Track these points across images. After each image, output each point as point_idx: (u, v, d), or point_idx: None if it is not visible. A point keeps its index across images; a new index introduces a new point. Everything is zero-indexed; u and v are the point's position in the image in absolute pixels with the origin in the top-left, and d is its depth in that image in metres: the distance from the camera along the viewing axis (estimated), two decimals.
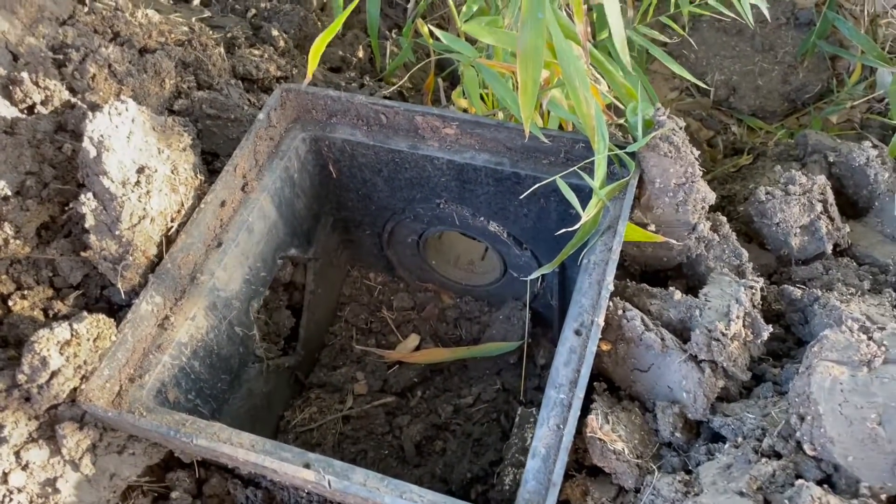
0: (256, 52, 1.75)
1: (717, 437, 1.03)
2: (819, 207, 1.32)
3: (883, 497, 0.83)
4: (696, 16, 1.71)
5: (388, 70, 1.89)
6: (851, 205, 1.50)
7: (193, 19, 1.83)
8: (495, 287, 1.67)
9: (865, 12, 2.01)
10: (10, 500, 1.02)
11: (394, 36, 2.07)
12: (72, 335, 1.04)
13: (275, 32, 1.86)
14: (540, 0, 1.11)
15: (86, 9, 1.59)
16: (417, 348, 1.67)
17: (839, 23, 1.97)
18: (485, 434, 1.53)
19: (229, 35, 1.80)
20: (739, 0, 1.28)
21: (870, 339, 0.93)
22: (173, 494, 1.16)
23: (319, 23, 2.13)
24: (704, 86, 1.73)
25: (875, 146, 1.49)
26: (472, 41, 1.39)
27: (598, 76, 1.37)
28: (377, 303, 1.74)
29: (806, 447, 0.89)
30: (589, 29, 1.57)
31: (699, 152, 1.99)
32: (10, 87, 1.24)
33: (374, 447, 1.52)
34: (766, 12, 1.37)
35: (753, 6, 1.33)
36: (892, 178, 1.45)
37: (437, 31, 1.22)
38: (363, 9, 2.18)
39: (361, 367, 1.63)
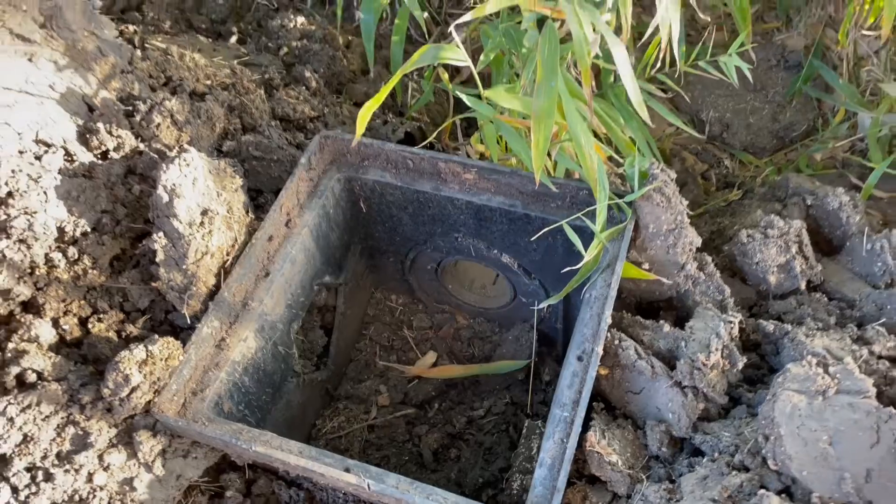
0: (292, 93, 1.93)
1: (698, 452, 1.20)
2: (794, 248, 1.49)
3: None
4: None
5: (411, 109, 2.07)
6: (827, 242, 1.68)
7: (235, 62, 2.01)
8: (506, 310, 1.85)
9: (848, 57, 2.18)
10: (94, 496, 1.19)
11: (414, 76, 2.25)
12: (147, 355, 1.22)
13: (307, 74, 2.04)
14: (553, 69, 1.29)
15: (139, 53, 1.77)
16: (434, 364, 1.84)
17: (823, 71, 2.15)
18: (495, 443, 1.71)
19: (266, 76, 1.97)
20: (725, 63, 1.46)
21: (826, 372, 1.11)
22: (228, 493, 1.34)
23: (345, 60, 2.31)
24: (690, 130, 1.89)
25: (848, 191, 1.66)
26: None
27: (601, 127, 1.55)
28: (398, 322, 1.92)
29: (770, 462, 1.06)
30: (593, 83, 1.76)
31: (694, 188, 2.16)
32: (87, 136, 1.42)
33: (395, 454, 1.69)
34: (748, 74, 1.55)
35: (738, 68, 1.51)
36: (862, 221, 1.63)
37: (461, 94, 1.39)
38: (385, 45, 2.36)
39: (384, 380, 1.80)
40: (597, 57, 1.50)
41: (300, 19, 2.30)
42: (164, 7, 2.39)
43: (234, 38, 2.26)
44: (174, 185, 1.28)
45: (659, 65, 1.69)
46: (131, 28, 1.94)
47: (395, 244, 1.76)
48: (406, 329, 1.90)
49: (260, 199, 1.62)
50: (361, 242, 1.77)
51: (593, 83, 1.68)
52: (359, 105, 2.21)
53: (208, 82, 1.82)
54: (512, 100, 1.35)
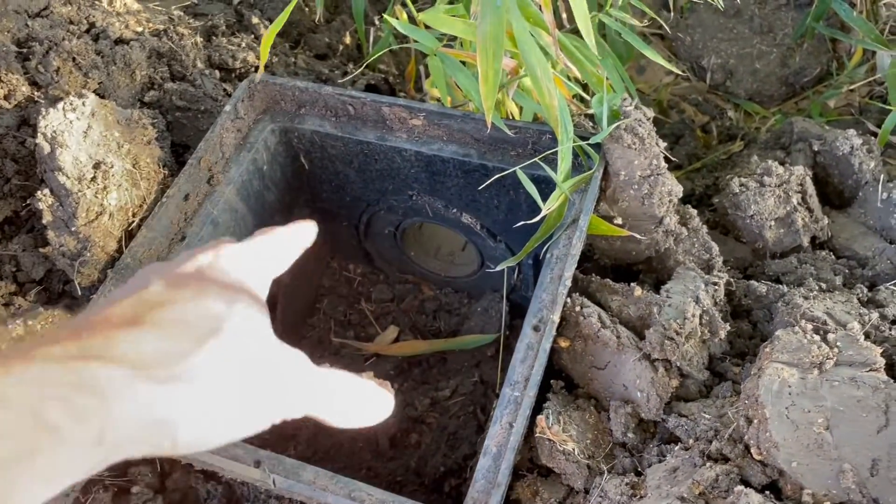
0: (235, 40, 1.74)
1: (673, 438, 1.01)
2: (796, 199, 1.28)
3: None
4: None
5: (370, 57, 1.87)
6: (838, 194, 1.46)
7: (173, 7, 1.82)
8: (474, 279, 1.65)
9: None
10: None
11: (379, 22, 2.05)
12: (26, 332, 1.05)
13: (255, 20, 1.84)
14: None
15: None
16: (396, 340, 1.66)
17: (836, 4, 1.91)
18: (460, 427, 1.52)
19: (209, 24, 1.78)
20: None
21: (824, 339, 0.90)
22: (134, 489, 1.17)
23: (307, 9, 2.11)
24: (683, 73, 1.67)
25: (862, 134, 1.44)
26: None
27: (570, 65, 1.34)
28: (356, 294, 1.73)
29: (753, 451, 0.87)
30: (565, 14, 1.53)
31: (692, 140, 1.95)
32: None
33: (349, 440, 1.51)
34: None
35: None
36: (877, 167, 1.40)
37: (393, 21, 1.19)
38: None
39: (339, 359, 1.62)
40: None
41: None
42: None
43: None
44: (55, 132, 1.10)
45: None
46: None
47: (345, 206, 1.57)
48: (364, 302, 1.71)
49: (186, 155, 1.43)
50: (308, 205, 1.58)
51: (563, 13, 1.47)
52: (319, 57, 2.02)
53: (139, 28, 1.63)
54: (451, 23, 1.15)
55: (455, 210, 1.45)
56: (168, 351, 0.50)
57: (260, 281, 0.66)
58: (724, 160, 1.84)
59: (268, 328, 0.60)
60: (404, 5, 1.76)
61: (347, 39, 2.07)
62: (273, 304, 1.55)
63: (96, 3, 1.65)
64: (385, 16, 1.28)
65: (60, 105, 1.11)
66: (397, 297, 1.72)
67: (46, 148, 1.09)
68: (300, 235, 0.76)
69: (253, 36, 1.80)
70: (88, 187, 1.12)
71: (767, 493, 0.83)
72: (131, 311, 0.53)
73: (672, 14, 2.16)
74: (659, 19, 1.56)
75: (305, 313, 1.69)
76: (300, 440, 1.51)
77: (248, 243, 0.68)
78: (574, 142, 1.17)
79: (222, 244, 0.65)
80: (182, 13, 1.78)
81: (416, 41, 1.22)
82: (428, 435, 1.52)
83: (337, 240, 1.71)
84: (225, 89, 1.60)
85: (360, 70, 1.91)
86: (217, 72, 1.63)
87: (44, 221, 1.12)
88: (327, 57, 2.01)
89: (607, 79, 1.38)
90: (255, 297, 0.62)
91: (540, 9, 1.24)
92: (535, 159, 1.19)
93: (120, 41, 1.55)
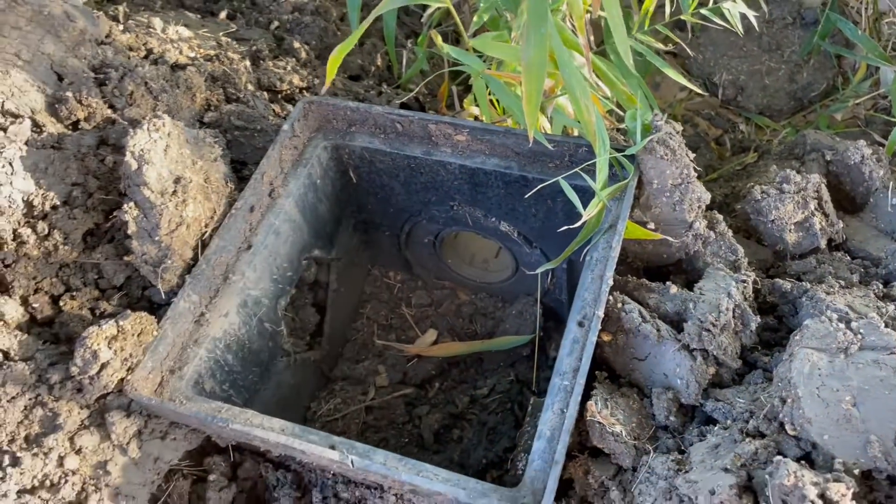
0: (280, 63, 1.86)
1: (710, 421, 1.11)
2: (813, 205, 1.39)
3: (856, 472, 0.91)
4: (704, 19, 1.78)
5: (405, 78, 1.98)
6: (850, 200, 1.57)
7: (221, 34, 1.94)
8: (508, 284, 1.76)
9: (867, 12, 2.06)
10: (66, 481, 1.12)
11: (410, 45, 2.16)
12: (118, 331, 1.15)
13: (296, 45, 1.96)
14: (543, 15, 1.19)
15: (121, 27, 1.70)
16: (435, 342, 1.76)
17: (841, 24, 2.03)
18: (499, 423, 1.62)
19: (254, 48, 1.90)
20: (729, 10, 1.35)
21: (848, 327, 1.01)
22: (211, 477, 1.27)
23: (339, 32, 2.23)
24: (698, 90, 1.79)
25: (870, 144, 1.55)
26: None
27: (600, 83, 1.45)
28: (397, 300, 1.83)
29: (787, 427, 0.97)
30: (592, 38, 1.65)
31: (707, 152, 2.06)
32: (57, 106, 1.35)
33: (394, 436, 1.61)
34: (753, 21, 1.45)
35: (743, 16, 1.40)
36: (886, 175, 1.51)
37: (447, 47, 1.30)
38: (381, 17, 2.28)
39: (382, 360, 1.72)
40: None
41: None
42: None
43: (223, 14, 2.19)
44: (143, 150, 1.21)
45: (666, 17, 1.59)
46: (120, 10, 1.88)
47: (388, 216, 1.67)
48: (405, 307, 1.82)
49: (244, 171, 1.54)
50: (354, 216, 1.69)
51: (591, 36, 1.59)
52: (353, 78, 2.13)
53: (192, 54, 1.75)
54: (500, 49, 1.26)
55: (494, 219, 1.56)
56: None
57: None
58: (739, 171, 1.95)
59: None
60: (440, 25, 1.88)
61: (379, 61, 2.18)
62: (322, 308, 1.66)
63: (151, 30, 1.77)
64: (429, 41, 1.39)
65: (146, 125, 1.22)
66: (435, 302, 1.83)
67: (134, 165, 1.20)
68: None
69: (295, 60, 1.92)
70: (170, 200, 1.23)
71: (802, 462, 0.93)
72: None
73: (687, 34, 2.28)
74: (678, 40, 1.67)
75: (350, 318, 1.80)
76: (350, 436, 1.61)
77: None
78: (610, 154, 1.28)
79: None
80: (228, 39, 1.90)
81: (463, 64, 1.33)
82: (469, 430, 1.62)
83: (378, 249, 1.81)
84: (274, 109, 1.71)
85: (393, 91, 2.03)
86: (266, 93, 1.75)
87: (129, 232, 1.23)
88: (361, 78, 2.12)
89: (638, 96, 1.50)
90: None
91: (574, 33, 1.36)
92: (576, 170, 1.30)
93: (176, 66, 1.66)
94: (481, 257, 1.82)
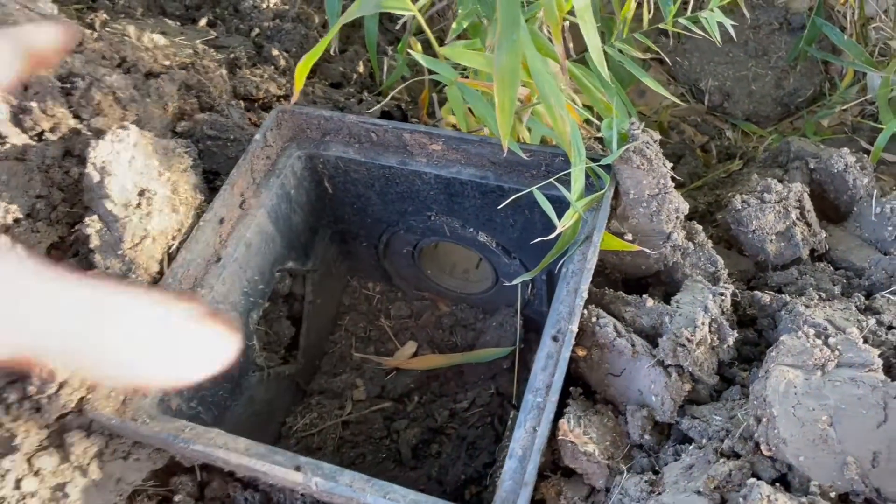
0: (257, 71, 1.83)
1: (686, 439, 1.08)
2: (794, 214, 1.36)
3: (832, 495, 0.88)
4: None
5: (385, 85, 1.96)
6: (834, 208, 1.54)
7: (198, 41, 1.91)
8: (489, 295, 1.73)
9: (853, 16, 2.03)
10: None
11: (391, 52, 2.14)
12: None
13: (275, 52, 1.93)
14: (514, 21, 1.17)
15: (94, 35, 1.67)
16: (415, 355, 1.73)
17: (827, 29, 2.00)
18: (479, 437, 1.59)
19: (232, 56, 1.87)
20: (706, 19, 1.33)
21: (825, 343, 0.98)
22: (176, 498, 1.24)
23: (321, 39, 2.20)
24: (677, 100, 1.76)
25: (855, 152, 1.52)
26: None
27: (575, 92, 1.42)
28: (375, 311, 1.80)
29: (762, 448, 0.94)
30: (572, 45, 1.63)
31: (693, 160, 2.03)
32: (21, 116, 1.32)
33: (372, 451, 1.58)
34: (731, 31, 1.42)
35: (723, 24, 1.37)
36: (871, 183, 1.48)
37: (416, 55, 1.28)
38: (363, 24, 2.25)
39: (360, 373, 1.69)
40: (570, 13, 1.37)
41: None
42: None
43: (203, 21, 2.16)
44: (104, 162, 1.17)
45: (645, 25, 1.56)
46: (97, 18, 1.85)
47: (366, 227, 1.64)
48: (384, 318, 1.78)
49: (217, 181, 1.50)
50: (330, 226, 1.66)
51: (571, 43, 1.56)
52: (334, 86, 2.11)
53: (167, 62, 1.72)
54: (471, 57, 1.23)
55: (472, 229, 1.53)
56: None
57: None
58: (725, 178, 1.92)
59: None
60: (421, 33, 1.85)
61: (361, 68, 2.15)
62: (297, 321, 1.62)
63: (126, 38, 1.74)
64: (408, 49, 1.36)
65: (108, 136, 1.19)
66: (415, 314, 1.80)
67: (96, 177, 1.17)
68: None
69: (273, 67, 1.89)
70: (134, 213, 1.20)
71: (777, 485, 0.90)
72: None
73: (670, 40, 2.26)
74: (656, 48, 1.64)
75: (328, 330, 1.77)
76: (326, 452, 1.58)
77: None
78: (586, 164, 1.25)
79: None
80: (206, 46, 1.87)
81: (435, 73, 1.31)
82: (448, 445, 1.59)
83: (357, 260, 1.78)
84: (250, 119, 1.68)
85: (375, 98, 2.00)
86: (242, 102, 1.72)
87: (91, 246, 1.20)
88: (342, 86, 2.09)
89: (614, 105, 1.47)
90: None
91: (550, 41, 1.33)
92: (551, 180, 1.27)
93: (150, 74, 1.63)
94: (462, 267, 1.79)
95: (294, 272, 1.57)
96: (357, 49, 2.22)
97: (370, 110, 1.91)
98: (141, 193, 1.22)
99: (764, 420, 0.94)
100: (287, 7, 2.20)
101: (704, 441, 1.02)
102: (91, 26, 1.83)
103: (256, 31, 2.13)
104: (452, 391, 1.69)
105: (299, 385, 1.65)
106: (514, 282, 1.38)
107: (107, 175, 1.17)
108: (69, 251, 1.32)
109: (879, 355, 0.97)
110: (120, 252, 1.20)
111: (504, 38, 1.16)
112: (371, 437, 1.60)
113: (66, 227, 1.31)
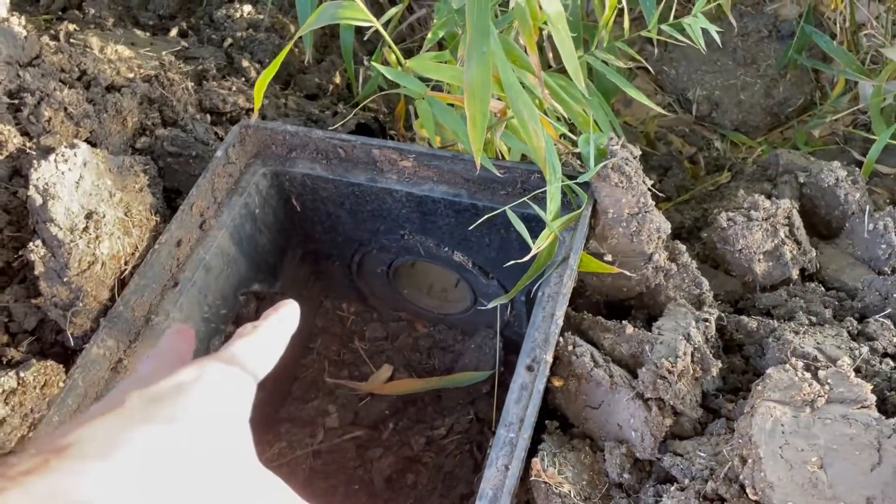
0: (226, 84, 1.76)
1: (669, 478, 1.01)
2: (783, 232, 1.29)
3: None
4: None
5: (360, 97, 1.89)
6: (825, 225, 1.47)
7: (165, 53, 1.84)
8: (468, 315, 1.65)
9: (844, 23, 1.97)
10: None
11: (366, 62, 2.07)
12: (18, 383, 1.04)
13: (245, 63, 1.86)
14: (484, 31, 1.10)
15: (54, 47, 1.60)
16: (390, 379, 1.65)
17: (816, 37, 1.94)
18: (456, 466, 1.51)
19: (200, 68, 1.80)
20: (690, 25, 1.26)
21: (814, 377, 0.91)
22: None
23: (296, 49, 2.13)
24: (661, 109, 1.69)
25: (846, 165, 1.46)
26: None
27: (556, 104, 1.36)
28: (349, 333, 1.73)
29: (748, 491, 0.86)
30: (550, 55, 1.56)
31: (680, 172, 1.97)
32: None
33: (344, 482, 1.50)
34: (716, 37, 1.36)
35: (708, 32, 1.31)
36: (863, 198, 1.42)
37: (380, 68, 1.21)
38: (339, 33, 2.18)
39: (333, 399, 1.62)
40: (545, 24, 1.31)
41: (247, 8, 2.14)
42: (106, 4, 2.23)
43: (174, 31, 2.09)
44: (47, 184, 1.10)
45: (626, 34, 1.50)
46: (63, 29, 1.78)
47: (337, 246, 1.57)
48: (358, 340, 1.71)
49: (178, 200, 1.43)
50: (301, 246, 1.59)
51: (550, 53, 1.49)
52: (310, 98, 2.04)
53: (130, 75, 1.65)
54: (439, 70, 1.17)
55: (447, 248, 1.46)
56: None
57: (246, 399, 0.59)
58: (713, 191, 1.85)
59: (249, 452, 0.55)
60: (399, 43, 1.78)
61: (337, 79, 2.09)
62: None
63: (87, 50, 1.67)
64: (372, 62, 1.29)
65: (52, 157, 1.12)
66: (391, 335, 1.72)
67: (38, 200, 1.10)
68: (286, 325, 0.67)
69: (244, 79, 1.82)
70: (80, 237, 1.13)
71: None
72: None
73: (656, 49, 2.19)
74: (638, 57, 1.58)
75: (299, 353, 1.69)
76: (295, 484, 1.50)
77: (232, 354, 0.59)
78: (562, 181, 1.18)
79: (207, 364, 0.56)
80: (174, 58, 1.80)
81: (403, 86, 1.24)
82: (424, 475, 1.51)
83: (330, 280, 1.71)
84: (216, 133, 1.61)
85: (351, 110, 1.93)
86: (208, 116, 1.65)
87: (36, 272, 1.12)
88: (318, 97, 2.03)
89: (594, 118, 1.41)
90: (237, 415, 0.57)
91: (525, 51, 1.26)
92: (525, 199, 1.20)
93: (111, 88, 1.56)
94: (440, 286, 1.72)
95: (261, 295, 1.49)
96: (333, 59, 2.15)
97: (343, 122, 1.85)
98: (89, 216, 1.15)
99: (750, 461, 0.87)
100: (261, 16, 2.13)
101: (687, 481, 0.94)
102: (56, 38, 1.76)
103: (229, 41, 2.06)
104: (430, 417, 1.61)
105: (268, 412, 1.58)
106: (491, 304, 1.31)
107: (50, 198, 1.10)
108: (16, 276, 1.25)
109: (873, 389, 0.90)
110: (66, 279, 1.12)
111: (473, 50, 1.10)
112: (343, 467, 1.52)
113: (13, 251, 1.24)
